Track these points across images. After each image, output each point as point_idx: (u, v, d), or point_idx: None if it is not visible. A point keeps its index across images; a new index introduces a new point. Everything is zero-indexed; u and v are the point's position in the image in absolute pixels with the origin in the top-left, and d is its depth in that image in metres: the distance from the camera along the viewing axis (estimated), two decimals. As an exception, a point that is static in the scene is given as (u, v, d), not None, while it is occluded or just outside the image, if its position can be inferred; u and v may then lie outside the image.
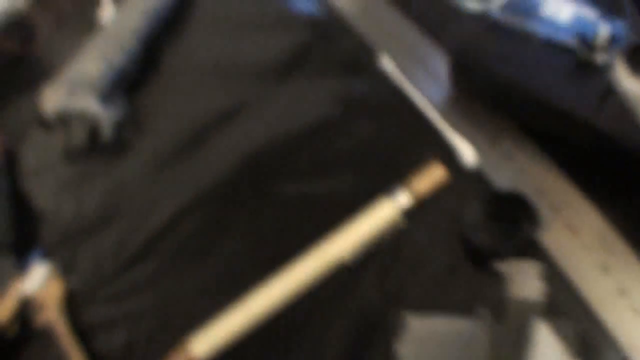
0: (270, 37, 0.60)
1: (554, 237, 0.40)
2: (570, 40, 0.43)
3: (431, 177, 0.44)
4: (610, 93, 0.40)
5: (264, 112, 0.54)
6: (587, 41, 0.42)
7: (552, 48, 0.44)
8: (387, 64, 0.53)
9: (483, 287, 0.40)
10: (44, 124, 0.57)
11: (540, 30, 0.45)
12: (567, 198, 0.42)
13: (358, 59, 0.55)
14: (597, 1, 0.44)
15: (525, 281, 0.30)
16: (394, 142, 0.49)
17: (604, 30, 0.41)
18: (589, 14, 0.44)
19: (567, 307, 0.38)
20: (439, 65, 0.52)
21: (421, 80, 0.52)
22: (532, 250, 0.40)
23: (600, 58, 0.42)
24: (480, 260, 0.41)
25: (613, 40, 0.42)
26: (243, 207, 0.48)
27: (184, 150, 0.54)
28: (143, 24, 0.62)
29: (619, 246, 0.40)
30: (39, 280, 0.47)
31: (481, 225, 0.41)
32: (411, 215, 0.44)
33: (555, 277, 0.39)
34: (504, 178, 0.44)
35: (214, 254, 0.47)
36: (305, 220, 0.46)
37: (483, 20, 0.47)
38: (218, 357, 0.41)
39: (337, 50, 0.57)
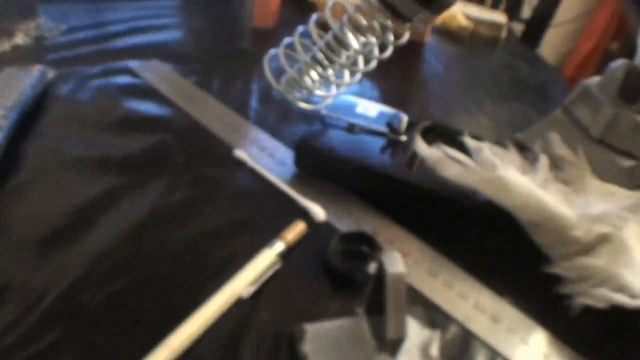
0: (127, 135, 0.70)
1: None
2: (381, 128, 0.64)
3: (296, 229, 0.58)
4: (414, 158, 0.61)
5: (144, 192, 0.62)
6: (393, 127, 0.63)
7: (370, 134, 0.65)
8: (242, 154, 0.67)
9: (346, 301, 0.53)
10: None
11: (359, 122, 0.65)
12: (396, 235, 0.60)
13: (215, 153, 0.69)
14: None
15: (393, 262, 0.45)
16: (256, 212, 0.62)
17: (404, 120, 0.63)
18: (388, 109, 0.66)
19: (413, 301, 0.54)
20: (283, 154, 0.68)
21: (271, 166, 0.67)
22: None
23: (403, 138, 0.64)
24: (342, 282, 0.55)
25: (410, 125, 0.64)
26: (144, 268, 0.54)
27: (69, 229, 0.57)
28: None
29: (440, 258, 0.59)
30: None
31: (339, 256, 0.56)
32: (287, 257, 0.56)
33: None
34: (347, 226, 0.60)
35: (122, 314, 0.51)
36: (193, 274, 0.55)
37: (315, 117, 0.66)
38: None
39: (195, 145, 0.69)
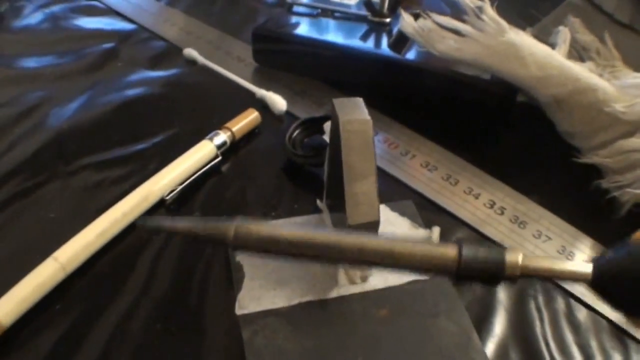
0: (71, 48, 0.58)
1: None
2: (360, 12, 0.53)
3: (244, 119, 0.45)
4: (401, 37, 0.48)
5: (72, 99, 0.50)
6: (373, 7, 0.52)
7: (348, 19, 0.53)
8: (192, 53, 0.55)
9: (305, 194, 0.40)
10: None
11: (332, 7, 0.54)
12: (380, 124, 0.48)
13: (166, 55, 0.56)
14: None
15: (351, 108, 0.31)
16: (212, 107, 0.49)
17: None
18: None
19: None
20: (244, 52, 0.55)
21: (230, 63, 0.54)
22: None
23: (387, 20, 0.52)
24: (303, 176, 0.42)
25: (394, 4, 0.52)
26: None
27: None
28: None
29: (439, 150, 0.46)
30: None
31: (298, 145, 0.43)
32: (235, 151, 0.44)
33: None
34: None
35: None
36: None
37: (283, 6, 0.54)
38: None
39: (145, 50, 0.57)
